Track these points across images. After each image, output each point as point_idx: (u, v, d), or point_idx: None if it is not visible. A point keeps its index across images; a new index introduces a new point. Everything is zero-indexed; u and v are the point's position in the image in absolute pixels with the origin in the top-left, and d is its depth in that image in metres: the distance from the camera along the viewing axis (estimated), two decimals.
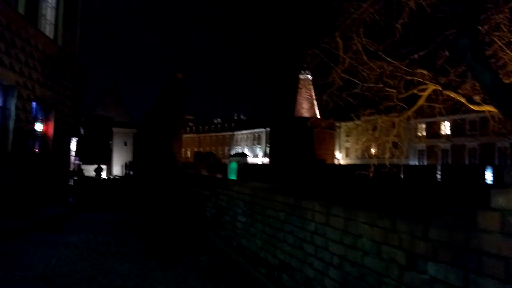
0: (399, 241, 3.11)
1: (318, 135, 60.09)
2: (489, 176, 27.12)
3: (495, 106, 4.39)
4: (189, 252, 8.14)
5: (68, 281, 5.79)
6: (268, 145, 75.26)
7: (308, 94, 66.24)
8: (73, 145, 32.77)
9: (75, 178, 28.66)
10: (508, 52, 7.27)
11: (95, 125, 53.74)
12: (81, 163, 39.85)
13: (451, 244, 2.57)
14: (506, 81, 7.37)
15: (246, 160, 58.30)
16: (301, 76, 66.34)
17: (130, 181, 27.82)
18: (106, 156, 51.06)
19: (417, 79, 8.05)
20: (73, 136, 27.43)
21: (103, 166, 39.79)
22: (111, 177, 47.34)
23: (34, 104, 13.32)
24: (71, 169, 29.14)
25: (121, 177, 39.82)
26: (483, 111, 7.82)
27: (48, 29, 14.34)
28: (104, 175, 40.22)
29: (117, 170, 51.36)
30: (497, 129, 9.18)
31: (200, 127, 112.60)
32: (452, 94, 7.43)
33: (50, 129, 14.59)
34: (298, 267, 4.98)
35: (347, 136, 59.39)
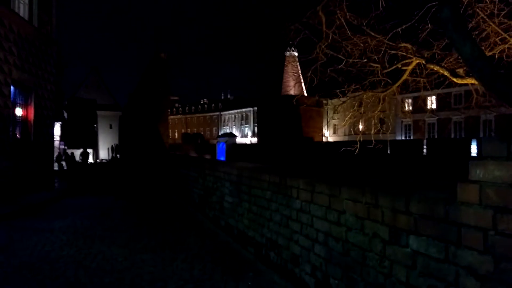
0: (382, 216, 3.12)
1: (305, 113, 60.13)
2: (474, 149, 27.58)
3: (476, 78, 4.38)
4: (178, 234, 8.14)
5: (54, 267, 5.75)
6: (256, 125, 75.18)
7: (294, 71, 65.85)
8: (57, 130, 32.22)
9: (62, 163, 28.30)
10: (491, 23, 7.24)
11: (79, 108, 52.88)
12: (66, 147, 39.34)
13: (432, 217, 2.58)
14: (489, 53, 7.38)
15: (234, 140, 58.25)
16: (287, 54, 65.78)
17: (117, 165, 27.59)
18: (91, 140, 50.49)
19: (401, 53, 8.00)
20: (56, 121, 26.92)
21: (89, 150, 39.35)
22: (98, 161, 46.94)
23: (12, 88, 12.94)
24: (58, 154, 28.73)
25: (107, 161, 39.50)
26: (467, 85, 7.85)
27: (22, 10, 13.81)
28: (90, 159, 39.83)
29: (103, 154, 50.91)
30: (480, 102, 9.25)
31: (187, 108, 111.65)
32: (436, 68, 7.42)
33: (30, 114, 14.26)
34: (284, 244, 5.01)
35: (334, 113, 59.53)
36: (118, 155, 35.15)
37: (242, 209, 6.72)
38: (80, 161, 27.77)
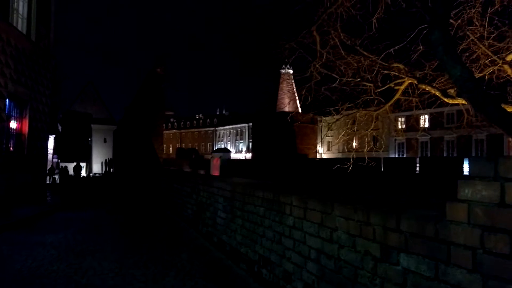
0: (373, 233, 3.15)
1: (299, 130, 60.45)
2: (466, 168, 27.80)
3: (465, 99, 4.49)
4: (170, 250, 8.09)
5: (44, 282, 5.68)
6: (251, 141, 75.31)
7: (289, 89, 66.48)
8: (51, 143, 32.02)
9: (55, 176, 28.06)
10: (481, 46, 7.43)
11: (74, 122, 52.73)
12: (59, 160, 39.04)
13: (422, 235, 2.62)
14: (479, 74, 7.55)
15: (228, 156, 58.23)
16: (282, 71, 66.51)
17: (111, 179, 27.43)
18: (85, 153, 50.20)
19: (393, 73, 8.16)
20: (50, 134, 26.80)
21: (83, 164, 39.10)
22: (91, 174, 46.56)
23: (7, 101, 12.94)
24: (51, 167, 28.48)
25: (101, 175, 39.23)
26: (459, 104, 7.98)
27: (20, 24, 13.92)
28: (83, 172, 39.55)
29: (97, 168, 50.52)
30: (472, 121, 9.39)
31: (182, 123, 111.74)
32: (427, 88, 7.57)
33: (25, 127, 14.22)
34: (277, 261, 5.00)
35: (328, 130, 59.85)
36: (111, 169, 34.98)
37: (235, 225, 6.72)
38: (72, 175, 27.57)
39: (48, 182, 23.82)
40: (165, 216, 12.91)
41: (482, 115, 4.20)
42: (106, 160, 40.54)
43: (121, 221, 12.24)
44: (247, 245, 6.09)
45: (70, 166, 33.38)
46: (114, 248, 8.13)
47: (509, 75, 7.57)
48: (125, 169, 23.21)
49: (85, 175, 41.58)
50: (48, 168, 24.33)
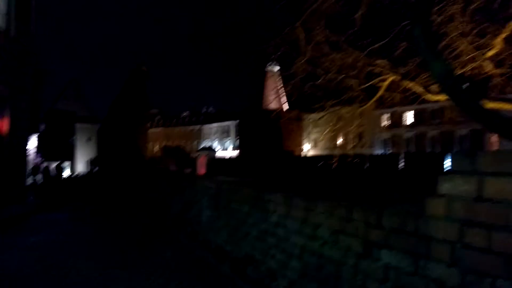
0: (355, 229, 3.15)
1: (285, 127, 60.52)
2: (448, 163, 28.18)
3: (446, 95, 4.53)
4: (155, 249, 8.00)
5: (27, 284, 5.56)
6: (237, 138, 75.20)
7: (275, 86, 66.44)
8: (34, 142, 31.40)
9: (36, 177, 27.52)
10: (463, 42, 7.51)
11: (57, 120, 51.82)
12: (43, 159, 38.33)
13: (403, 230, 2.63)
14: (461, 71, 7.63)
15: (213, 154, 57.95)
16: (268, 68, 66.39)
17: (95, 178, 27.07)
18: (69, 152, 49.43)
19: (377, 69, 8.19)
20: (33, 133, 26.30)
21: (66, 163, 38.49)
22: (75, 174, 45.90)
23: None
24: (34, 167, 27.95)
25: (85, 174, 38.71)
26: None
27: (0, 20, 13.57)
28: (67, 172, 38.93)
29: (81, 167, 49.84)
30: (454, 117, 9.52)
31: (168, 121, 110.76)
32: (409, 85, 7.62)
33: (5, 126, 13.89)
34: (261, 259, 4.99)
35: (314, 127, 60.12)
36: (95, 168, 34.53)
37: (220, 223, 6.68)
38: (55, 174, 27.11)
39: (30, 182, 23.36)
40: (150, 215, 12.78)
41: (463, 111, 4.26)
42: (90, 159, 40.03)
43: (104, 221, 12.08)
44: (232, 243, 6.07)
45: (54, 166, 32.84)
46: (98, 248, 8.01)
47: (490, 71, 7.68)
48: (110, 168, 22.93)
49: (69, 174, 40.96)
50: (31, 167, 23.85)
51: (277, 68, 63.34)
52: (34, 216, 12.64)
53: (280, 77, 62.45)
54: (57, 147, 46.83)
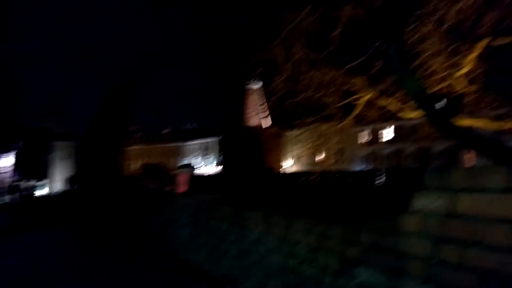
0: (333, 246, 3.14)
1: (266, 143, 60.75)
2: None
3: (421, 112, 4.63)
4: (132, 271, 7.78)
5: None
6: (219, 155, 74.94)
7: (256, 102, 66.86)
8: (11, 160, 30.57)
9: (14, 195, 26.71)
10: (436, 61, 7.72)
11: (34, 138, 50.73)
12: (20, 178, 37.29)
13: (380, 247, 2.63)
14: (435, 88, 7.83)
15: (194, 172, 57.48)
16: (249, 85, 66.82)
17: (73, 197, 26.41)
18: (47, 170, 48.29)
19: (353, 87, 8.33)
20: (8, 151, 25.64)
21: (44, 181, 37.54)
22: (53, 192, 44.74)
23: None
24: (10, 185, 27.17)
25: (63, 192, 37.76)
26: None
27: None
28: (45, 190, 37.92)
29: (59, 185, 48.66)
30: (430, 133, 9.70)
31: (150, 138, 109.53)
32: (386, 102, 7.77)
33: None
34: (240, 278, 4.91)
35: (295, 144, 60.54)
36: (74, 187, 33.73)
37: (199, 242, 6.57)
38: (30, 193, 26.39)
39: (7, 201, 22.69)
40: (128, 235, 12.49)
41: (436, 128, 4.34)
42: (69, 177, 39.11)
43: (81, 242, 11.74)
44: (212, 261, 5.96)
45: (30, 184, 31.97)
46: (73, 271, 7.74)
47: (463, 89, 7.90)
48: (88, 186, 22.43)
49: (47, 192, 39.89)
50: (6, 186, 23.16)
51: (259, 84, 63.89)
52: (10, 236, 12.20)
53: (263, 93, 63.08)
54: (35, 165, 45.71)
